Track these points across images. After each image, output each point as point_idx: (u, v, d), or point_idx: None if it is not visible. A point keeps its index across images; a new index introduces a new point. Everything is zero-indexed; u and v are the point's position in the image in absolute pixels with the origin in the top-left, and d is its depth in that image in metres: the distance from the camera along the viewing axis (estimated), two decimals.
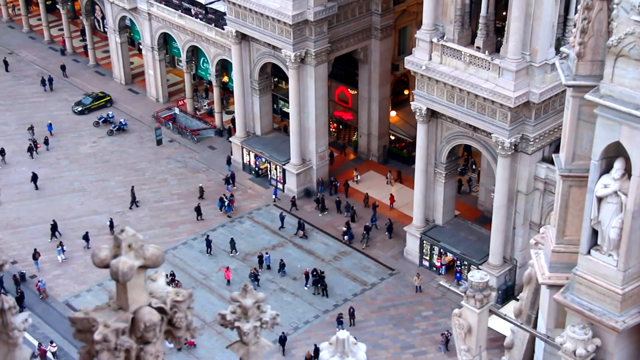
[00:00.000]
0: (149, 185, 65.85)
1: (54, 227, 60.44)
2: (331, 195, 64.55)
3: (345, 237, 60.54)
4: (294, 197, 63.97)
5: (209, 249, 59.45)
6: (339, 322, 52.27)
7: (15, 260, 57.38)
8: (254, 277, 56.08)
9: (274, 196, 64.70)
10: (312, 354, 50.81)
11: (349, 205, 62.91)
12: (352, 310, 53.69)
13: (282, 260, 57.66)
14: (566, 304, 18.48)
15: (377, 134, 67.45)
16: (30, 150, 69.23)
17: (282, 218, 61.87)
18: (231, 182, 65.67)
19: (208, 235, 60.21)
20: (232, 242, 59.42)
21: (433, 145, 54.76)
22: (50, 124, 72.70)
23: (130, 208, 63.54)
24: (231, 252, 59.41)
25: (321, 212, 63.30)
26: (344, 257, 59.42)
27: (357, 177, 65.94)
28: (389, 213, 62.47)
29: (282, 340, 50.93)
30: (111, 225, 60.63)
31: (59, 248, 58.45)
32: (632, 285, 17.84)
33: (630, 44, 15.97)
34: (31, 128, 71.78)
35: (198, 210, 62.50)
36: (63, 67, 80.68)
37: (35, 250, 58.30)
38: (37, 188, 65.87)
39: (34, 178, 65.86)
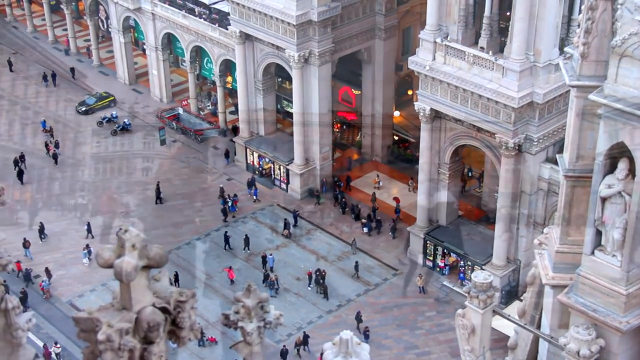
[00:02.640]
0: (152, 186, 65.86)
1: (42, 229, 60.39)
2: (334, 196, 64.62)
3: (365, 229, 60.84)
4: (317, 191, 64.05)
5: (227, 245, 59.55)
6: (366, 336, 51.90)
7: (18, 260, 57.46)
8: (271, 286, 55.89)
9: (254, 197, 64.65)
10: (302, 340, 51.14)
11: (355, 205, 62.99)
12: (360, 315, 53.44)
13: (266, 271, 57.24)
14: (570, 304, 18.47)
15: (381, 135, 67.43)
16: (55, 157, 69.13)
17: (295, 217, 61.88)
18: (254, 186, 65.37)
19: (226, 232, 60.25)
20: (247, 239, 59.46)
21: (437, 146, 54.74)
22: (45, 121, 72.91)
23: (156, 203, 63.78)
24: (244, 249, 59.46)
25: (341, 208, 63.45)
26: (348, 257, 59.40)
27: (379, 183, 65.74)
28: (392, 213, 62.40)
29: (284, 354, 50.38)
30: (89, 230, 60.54)
31: (85, 251, 58.26)
32: (636, 286, 17.83)
33: (634, 44, 15.95)
34: (49, 130, 71.95)
35: (224, 212, 62.57)
36: (72, 70, 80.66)
37: (24, 239, 58.49)
38: (22, 183, 66.06)
39: (20, 174, 66.08)
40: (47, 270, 56.67)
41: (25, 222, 62.32)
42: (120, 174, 68.15)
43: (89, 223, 60.94)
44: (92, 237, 60.14)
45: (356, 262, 57.62)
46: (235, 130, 70.32)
